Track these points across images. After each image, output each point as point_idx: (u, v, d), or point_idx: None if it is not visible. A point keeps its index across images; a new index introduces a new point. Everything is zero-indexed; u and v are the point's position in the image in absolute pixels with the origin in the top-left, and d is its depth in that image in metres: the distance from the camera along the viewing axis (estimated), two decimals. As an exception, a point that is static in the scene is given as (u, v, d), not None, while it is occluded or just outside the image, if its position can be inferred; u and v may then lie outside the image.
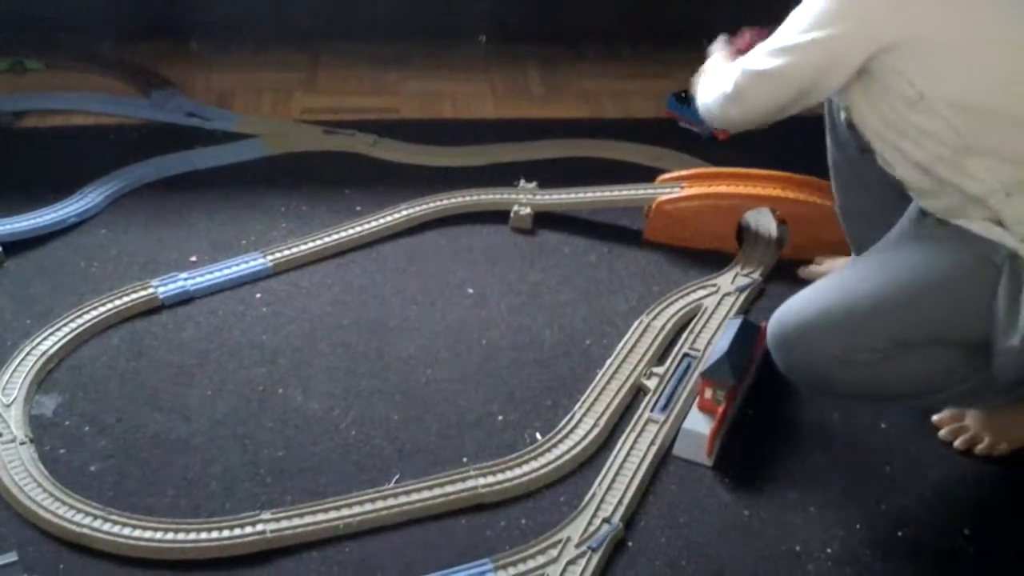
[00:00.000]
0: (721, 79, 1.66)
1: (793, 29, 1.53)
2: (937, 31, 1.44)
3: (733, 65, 1.65)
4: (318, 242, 2.09)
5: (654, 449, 1.64)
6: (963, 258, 1.50)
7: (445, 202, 2.22)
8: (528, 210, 2.19)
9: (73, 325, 1.83)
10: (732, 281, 2.02)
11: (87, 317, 1.85)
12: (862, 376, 1.52)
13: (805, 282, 1.99)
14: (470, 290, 2.01)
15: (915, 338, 1.50)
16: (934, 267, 1.52)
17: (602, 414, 1.71)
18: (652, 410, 1.71)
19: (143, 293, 1.92)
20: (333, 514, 1.51)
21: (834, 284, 1.60)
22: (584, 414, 1.71)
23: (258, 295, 1.97)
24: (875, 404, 1.70)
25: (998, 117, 1.46)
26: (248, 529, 1.47)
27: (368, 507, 1.52)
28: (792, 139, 2.00)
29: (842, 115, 1.77)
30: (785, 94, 1.58)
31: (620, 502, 1.55)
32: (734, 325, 1.75)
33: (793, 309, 1.56)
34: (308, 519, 1.50)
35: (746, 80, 1.61)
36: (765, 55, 1.58)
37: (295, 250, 2.06)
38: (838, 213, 1.90)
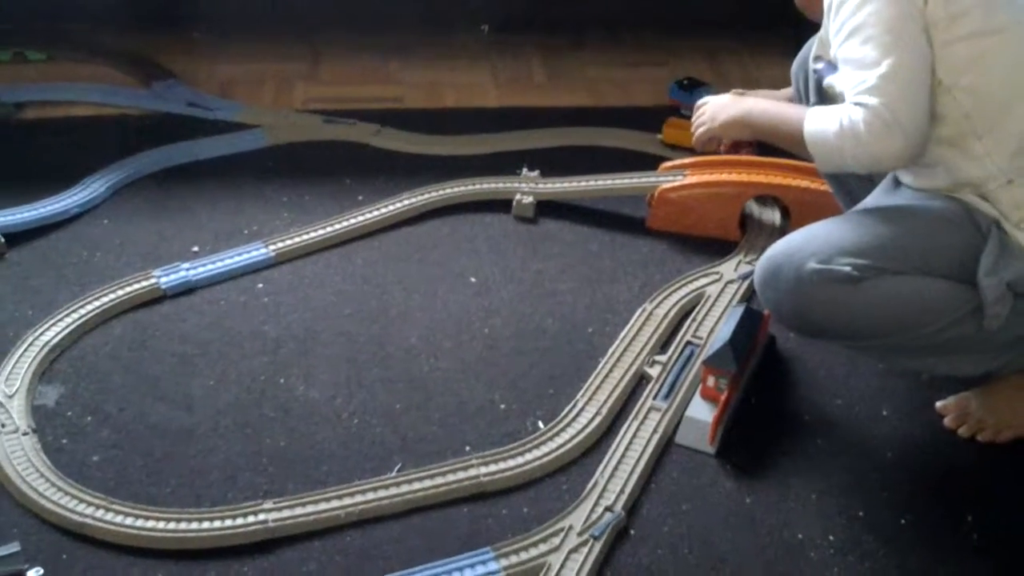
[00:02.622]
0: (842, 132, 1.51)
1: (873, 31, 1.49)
2: (955, 17, 1.48)
3: (843, 112, 1.50)
4: (320, 232, 2.09)
5: (656, 437, 1.64)
6: (946, 206, 1.55)
7: (447, 191, 2.22)
8: (530, 199, 2.19)
9: (75, 315, 1.83)
10: (735, 269, 2.02)
11: (89, 307, 1.85)
12: (842, 298, 1.53)
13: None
14: (472, 279, 2.01)
15: (893, 263, 1.53)
16: (917, 207, 1.58)
17: (604, 402, 1.70)
18: (655, 398, 1.71)
19: (145, 283, 1.92)
20: (335, 503, 1.51)
21: (812, 225, 1.63)
22: (586, 402, 1.70)
23: (260, 285, 1.97)
24: (858, 340, 1.63)
25: (1007, 103, 1.50)
26: (250, 518, 1.47)
27: (370, 496, 1.52)
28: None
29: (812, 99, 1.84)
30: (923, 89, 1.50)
31: (622, 490, 1.54)
32: (737, 313, 1.75)
33: (778, 246, 1.61)
34: (310, 508, 1.50)
35: (886, 103, 1.47)
36: (879, 81, 1.48)
37: (297, 240, 2.06)
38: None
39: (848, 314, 1.55)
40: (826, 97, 1.81)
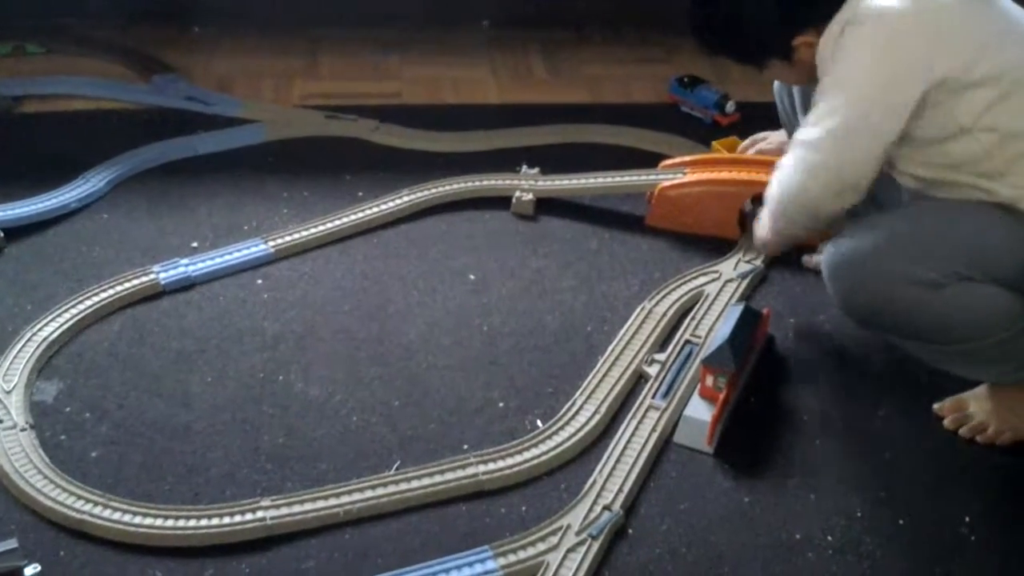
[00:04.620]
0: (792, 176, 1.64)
1: (847, 89, 1.57)
2: (968, 67, 1.51)
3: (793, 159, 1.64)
4: (319, 228, 2.08)
5: (655, 436, 1.64)
6: (1003, 211, 1.56)
7: (447, 188, 2.22)
8: (530, 196, 2.19)
9: (74, 311, 1.83)
10: (734, 267, 2.01)
11: (88, 303, 1.85)
12: (922, 301, 1.54)
13: (806, 270, 2.00)
14: (471, 276, 2.01)
15: (970, 269, 1.54)
16: (982, 209, 1.57)
17: (603, 401, 1.70)
18: (653, 397, 1.71)
19: (144, 279, 1.92)
20: (333, 501, 1.51)
21: (891, 219, 1.63)
22: (585, 401, 1.70)
23: (259, 281, 1.96)
24: (925, 341, 1.65)
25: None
26: (248, 516, 1.47)
27: (368, 494, 1.52)
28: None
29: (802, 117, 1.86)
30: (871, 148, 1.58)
31: (621, 489, 1.54)
32: (736, 312, 1.74)
33: (858, 237, 1.60)
34: (308, 506, 1.50)
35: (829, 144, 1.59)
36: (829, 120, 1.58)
37: (296, 236, 2.06)
38: None
39: (922, 317, 1.57)
40: None
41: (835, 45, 1.58)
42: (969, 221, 1.57)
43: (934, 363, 1.68)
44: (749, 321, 1.73)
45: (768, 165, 2.10)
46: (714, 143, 2.35)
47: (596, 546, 1.45)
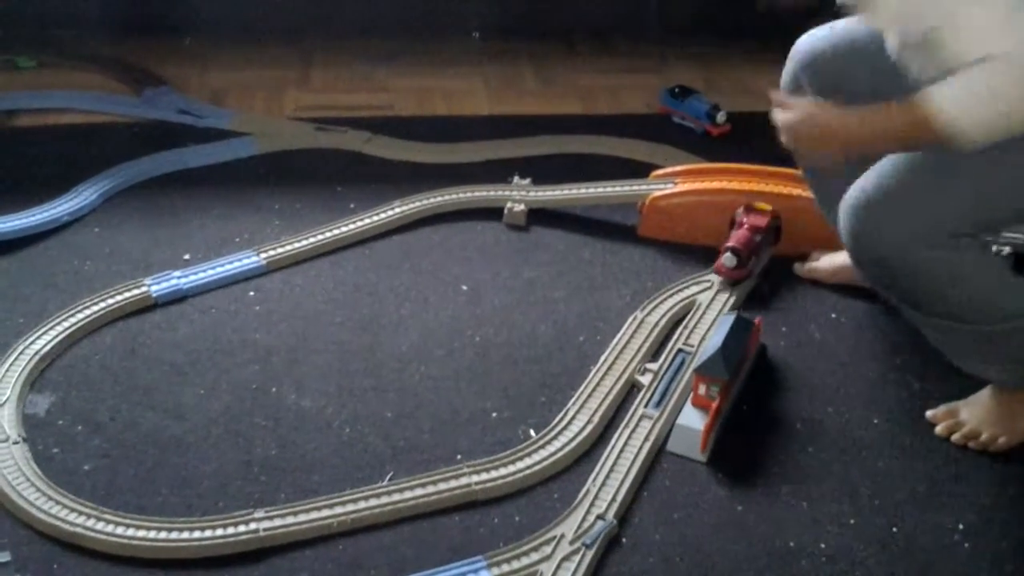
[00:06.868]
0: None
1: None
2: None
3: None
4: (311, 240, 2.08)
5: (648, 445, 1.64)
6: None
7: (439, 199, 2.22)
8: (522, 206, 2.19)
9: (66, 324, 1.83)
10: (726, 277, 2.02)
11: (80, 316, 1.85)
12: (940, 259, 1.50)
13: (798, 278, 2.00)
14: (464, 287, 2.01)
15: (986, 228, 1.52)
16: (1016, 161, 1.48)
17: (596, 410, 1.70)
18: (646, 406, 1.71)
19: (136, 292, 1.92)
20: (326, 512, 1.50)
21: (915, 162, 1.51)
22: (578, 410, 1.70)
23: (251, 293, 1.96)
24: (932, 313, 1.59)
25: None
26: (241, 528, 1.47)
27: (361, 505, 1.52)
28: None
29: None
30: None
31: (614, 498, 1.54)
32: (728, 321, 1.75)
33: (885, 179, 1.52)
34: (301, 517, 1.49)
35: None
36: None
37: (288, 248, 2.06)
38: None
39: (939, 278, 1.53)
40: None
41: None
42: (1005, 173, 1.48)
43: (949, 353, 1.66)
44: (741, 330, 1.74)
45: (756, 174, 2.12)
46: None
47: (590, 555, 1.45)
